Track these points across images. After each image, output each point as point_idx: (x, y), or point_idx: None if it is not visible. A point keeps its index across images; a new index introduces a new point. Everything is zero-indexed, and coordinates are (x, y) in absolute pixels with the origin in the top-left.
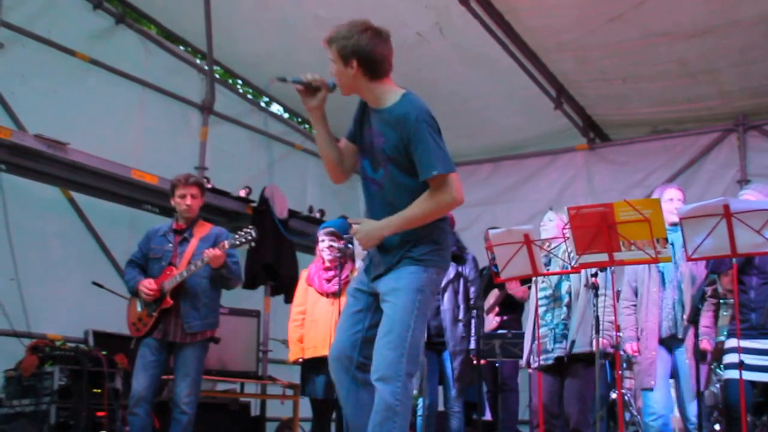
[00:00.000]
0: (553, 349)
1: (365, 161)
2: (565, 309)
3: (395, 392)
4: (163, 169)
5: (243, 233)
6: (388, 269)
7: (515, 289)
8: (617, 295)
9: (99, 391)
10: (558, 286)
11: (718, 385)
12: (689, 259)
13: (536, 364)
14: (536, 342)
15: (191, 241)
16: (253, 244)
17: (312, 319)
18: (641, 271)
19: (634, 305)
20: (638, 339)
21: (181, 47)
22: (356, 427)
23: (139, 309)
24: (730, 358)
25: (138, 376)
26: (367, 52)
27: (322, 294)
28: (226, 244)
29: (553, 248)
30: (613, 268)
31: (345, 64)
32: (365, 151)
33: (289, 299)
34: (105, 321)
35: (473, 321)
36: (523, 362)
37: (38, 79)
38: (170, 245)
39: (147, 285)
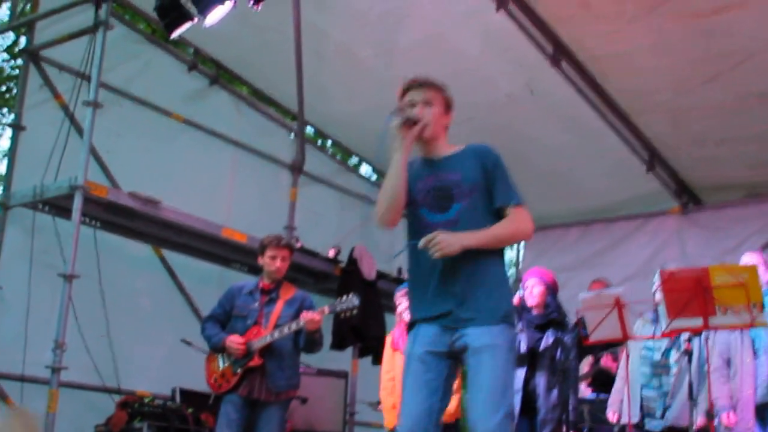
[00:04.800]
0: (664, 417)
1: (422, 210)
2: (673, 378)
3: None
4: (252, 228)
5: (345, 299)
6: (471, 321)
7: (608, 364)
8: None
9: None
10: (667, 353)
11: None
12: None
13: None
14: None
15: (277, 303)
16: (355, 312)
17: None
18: (733, 341)
19: (727, 375)
20: (734, 409)
21: (272, 108)
22: None
23: (221, 365)
24: None
25: None
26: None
27: None
28: (327, 309)
29: (647, 312)
30: (708, 333)
31: (446, 111)
32: (421, 200)
33: (376, 361)
34: (192, 378)
35: (569, 389)
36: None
37: (134, 138)
38: (256, 304)
39: (235, 340)
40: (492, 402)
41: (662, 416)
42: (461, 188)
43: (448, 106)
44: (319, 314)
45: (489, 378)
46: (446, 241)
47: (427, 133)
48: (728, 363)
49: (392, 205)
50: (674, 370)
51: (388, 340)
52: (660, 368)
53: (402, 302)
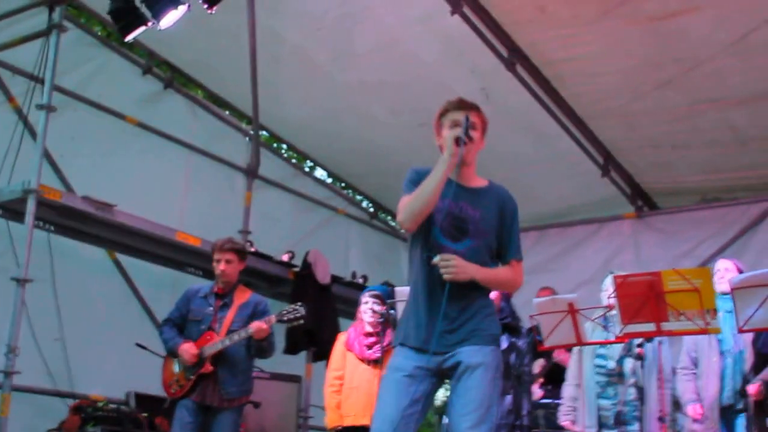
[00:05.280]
0: (616, 425)
1: (435, 229)
2: (631, 390)
3: None
4: (207, 232)
5: (291, 309)
6: (464, 341)
7: (561, 357)
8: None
9: None
10: (621, 361)
11: None
12: (741, 331)
13: None
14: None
15: (231, 308)
16: (301, 321)
17: (351, 386)
18: (701, 341)
19: (694, 374)
20: (700, 403)
21: (227, 112)
22: None
23: (176, 370)
24: None
25: None
26: None
27: (362, 361)
28: (273, 318)
29: (597, 317)
30: (660, 338)
31: (482, 137)
32: (437, 220)
33: None
34: (147, 383)
35: (523, 394)
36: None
37: (88, 141)
38: (210, 309)
39: (188, 349)
40: (478, 416)
41: (614, 424)
42: (478, 227)
43: (485, 132)
44: (266, 323)
45: (478, 394)
46: (461, 268)
47: (469, 156)
48: (695, 363)
49: (420, 212)
50: (630, 380)
51: (342, 338)
52: (614, 376)
53: (368, 301)
